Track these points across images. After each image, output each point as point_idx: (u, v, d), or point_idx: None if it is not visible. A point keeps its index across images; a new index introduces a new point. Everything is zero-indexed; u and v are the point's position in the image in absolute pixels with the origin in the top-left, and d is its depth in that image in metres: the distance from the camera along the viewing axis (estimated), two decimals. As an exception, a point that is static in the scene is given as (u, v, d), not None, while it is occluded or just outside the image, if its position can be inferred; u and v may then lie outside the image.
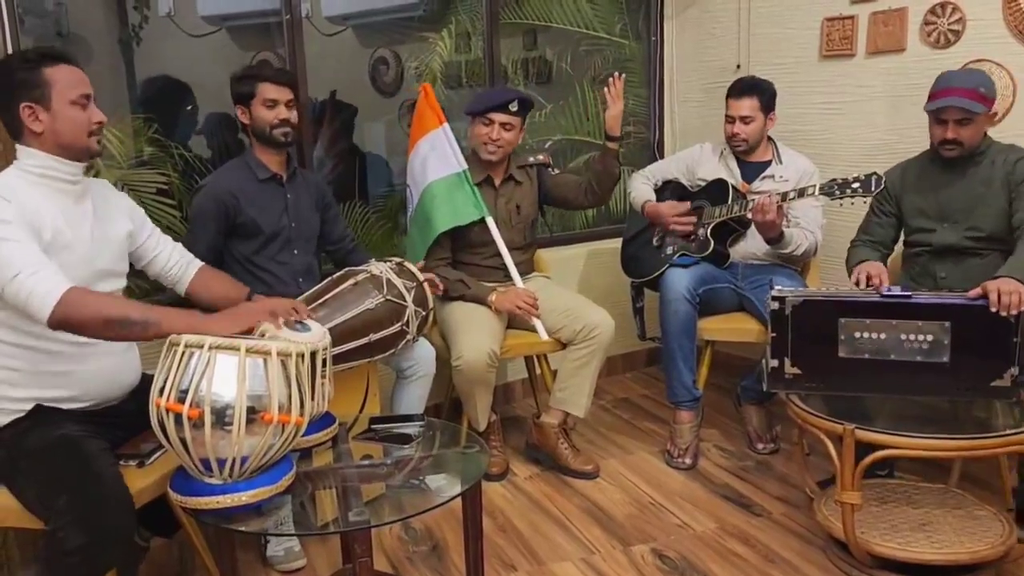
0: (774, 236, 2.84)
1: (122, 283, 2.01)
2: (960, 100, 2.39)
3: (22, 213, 1.73)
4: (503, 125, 2.83)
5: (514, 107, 2.82)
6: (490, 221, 2.88)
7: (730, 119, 3.00)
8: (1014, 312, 2.14)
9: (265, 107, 2.47)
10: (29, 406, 1.82)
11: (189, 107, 3.01)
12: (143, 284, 2.62)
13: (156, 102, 2.91)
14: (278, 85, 2.48)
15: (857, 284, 2.46)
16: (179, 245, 2.18)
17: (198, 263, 2.19)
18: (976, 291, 2.21)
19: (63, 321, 1.69)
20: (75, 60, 1.87)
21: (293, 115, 2.51)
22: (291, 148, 2.59)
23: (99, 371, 1.90)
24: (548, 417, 2.93)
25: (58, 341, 1.82)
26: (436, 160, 2.89)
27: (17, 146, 1.84)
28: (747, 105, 2.96)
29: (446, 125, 2.91)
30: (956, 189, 2.52)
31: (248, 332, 1.80)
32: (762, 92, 2.97)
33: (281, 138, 2.49)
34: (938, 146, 2.50)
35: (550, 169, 3.08)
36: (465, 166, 2.87)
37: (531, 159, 3.06)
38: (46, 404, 1.83)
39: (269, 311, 1.87)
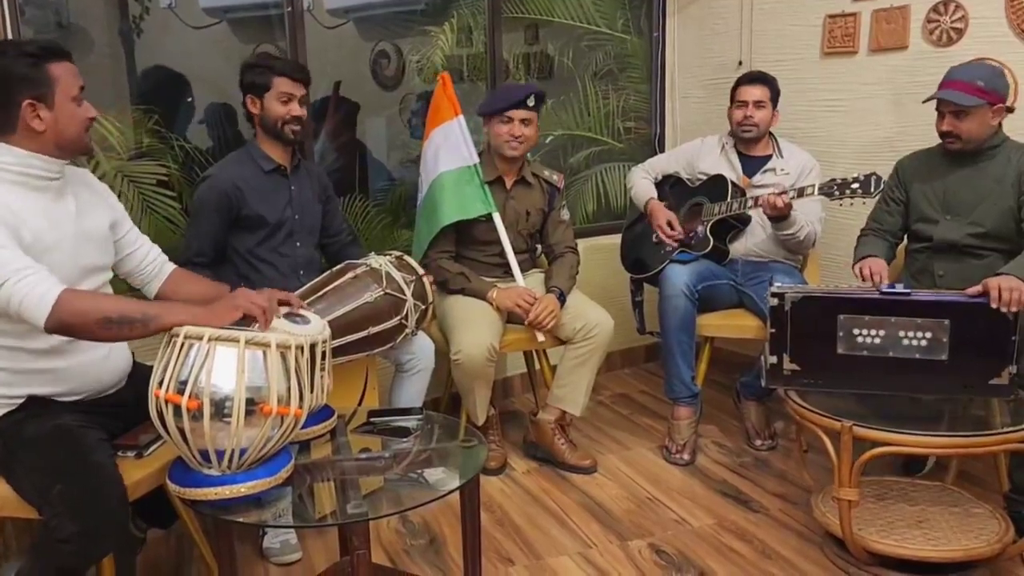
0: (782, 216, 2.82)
1: (108, 275, 1.95)
2: (951, 93, 2.41)
3: None
4: (523, 121, 2.83)
5: (531, 102, 2.83)
6: (497, 218, 2.87)
7: (742, 104, 2.99)
8: (1014, 309, 2.15)
9: (279, 102, 2.46)
10: (23, 399, 1.81)
11: (189, 99, 3.00)
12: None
13: (156, 93, 2.90)
14: (295, 81, 2.47)
15: (862, 278, 2.47)
16: (156, 246, 2.10)
17: (172, 265, 2.11)
18: (976, 288, 2.20)
19: (60, 325, 1.64)
20: (71, 55, 1.81)
21: (304, 112, 2.51)
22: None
23: (87, 364, 1.87)
24: (545, 414, 2.93)
25: (40, 339, 1.77)
26: (448, 151, 2.88)
27: None
28: (759, 92, 2.97)
29: (461, 117, 2.90)
30: (964, 182, 2.52)
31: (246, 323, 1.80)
32: (771, 84, 3.00)
33: (290, 135, 2.49)
34: (941, 138, 2.52)
35: (562, 205, 3.05)
36: (477, 160, 2.86)
37: (546, 172, 3.05)
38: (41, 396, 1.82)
39: (250, 303, 1.73)
